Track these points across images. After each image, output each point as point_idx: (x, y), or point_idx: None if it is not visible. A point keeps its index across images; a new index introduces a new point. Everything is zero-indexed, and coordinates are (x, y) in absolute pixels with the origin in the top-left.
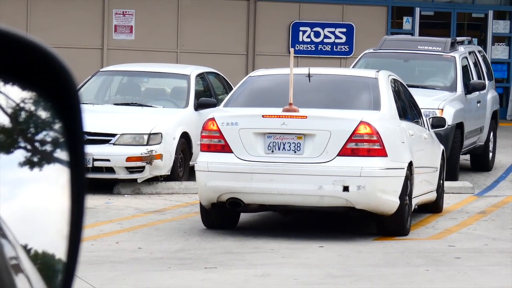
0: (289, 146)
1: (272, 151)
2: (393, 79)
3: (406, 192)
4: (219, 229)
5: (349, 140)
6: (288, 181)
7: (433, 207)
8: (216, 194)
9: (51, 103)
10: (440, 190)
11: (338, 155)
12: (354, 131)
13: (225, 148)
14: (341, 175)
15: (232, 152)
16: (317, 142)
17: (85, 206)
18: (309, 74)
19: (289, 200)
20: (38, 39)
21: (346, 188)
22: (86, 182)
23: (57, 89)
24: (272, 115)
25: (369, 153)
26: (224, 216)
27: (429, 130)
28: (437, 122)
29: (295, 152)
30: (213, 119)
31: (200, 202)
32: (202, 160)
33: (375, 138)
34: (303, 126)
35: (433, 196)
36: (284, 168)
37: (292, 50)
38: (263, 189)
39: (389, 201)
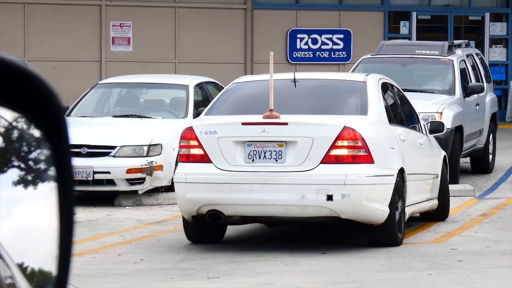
0: (270, 155)
1: (253, 160)
2: (385, 83)
3: (397, 200)
4: (203, 244)
5: (333, 146)
6: (270, 191)
7: (439, 214)
8: (195, 206)
9: (39, 123)
10: (446, 197)
11: (321, 162)
12: (338, 137)
13: (204, 158)
14: (325, 184)
15: (211, 162)
16: (299, 150)
17: (73, 222)
18: (294, 78)
19: (270, 211)
20: (26, 64)
21: (330, 197)
22: (74, 198)
23: (44, 111)
24: (251, 122)
25: (354, 160)
26: (208, 230)
27: (427, 135)
28: (436, 127)
29: (276, 160)
30: (191, 128)
31: (182, 216)
32: (180, 171)
33: (360, 144)
34: (284, 133)
35: (433, 204)
36: (265, 178)
37: (271, 53)
38: (243, 200)
39: (377, 210)
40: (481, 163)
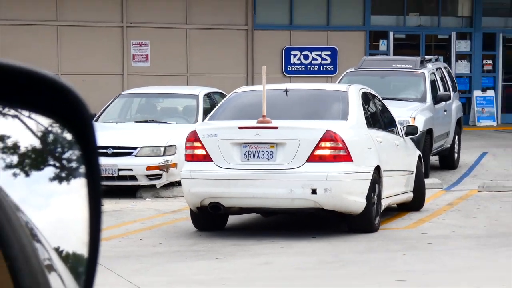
0: (263, 154)
1: (248, 159)
2: (366, 92)
3: (373, 193)
4: (209, 231)
5: (316, 147)
6: (262, 186)
7: (415, 206)
8: (199, 199)
9: (71, 127)
10: (422, 191)
11: (307, 161)
12: (321, 139)
13: (206, 158)
14: (309, 180)
15: (212, 161)
16: (287, 150)
17: (101, 212)
18: (286, 89)
19: (263, 203)
20: (59, 78)
21: (314, 191)
22: (101, 191)
23: (75, 117)
24: (247, 127)
25: (335, 159)
26: (211, 219)
27: (403, 137)
28: (411, 130)
29: (268, 159)
30: (195, 131)
31: (189, 207)
32: (186, 169)
33: (340, 145)
34: (274, 136)
35: (408, 196)
36: (259, 174)
37: (264, 67)
38: (240, 193)
39: (355, 202)
40: (448, 161)
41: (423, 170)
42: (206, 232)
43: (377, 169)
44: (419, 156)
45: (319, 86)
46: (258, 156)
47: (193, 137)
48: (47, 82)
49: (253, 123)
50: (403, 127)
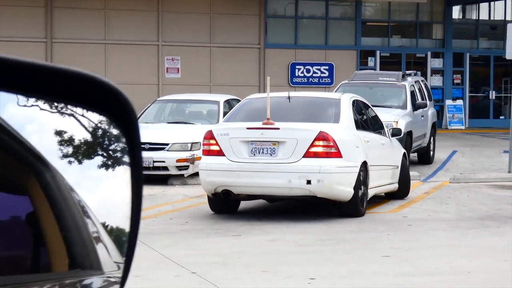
0: (267, 151)
1: (254, 154)
2: (356, 100)
3: (360, 184)
4: (223, 214)
5: (311, 145)
6: (266, 177)
7: (400, 194)
8: (213, 187)
9: (118, 124)
10: (407, 182)
11: (303, 157)
12: (315, 138)
13: (220, 153)
14: (305, 172)
15: (225, 156)
16: (287, 147)
17: (142, 194)
18: (288, 96)
19: (266, 191)
20: (109, 80)
21: (309, 182)
22: (143, 178)
23: (122, 114)
24: (253, 127)
25: (327, 155)
26: (225, 204)
27: (389, 138)
28: (396, 132)
29: (271, 155)
30: (211, 131)
31: (207, 194)
32: (203, 162)
33: (331, 144)
34: (276, 135)
35: (394, 187)
36: (263, 167)
37: (268, 78)
38: (247, 183)
39: (344, 191)
40: (425, 157)
41: None
42: (224, 214)
43: (364, 164)
44: (404, 154)
45: (317, 94)
46: (263, 152)
47: (209, 136)
48: (103, 85)
49: (259, 124)
50: (389, 129)
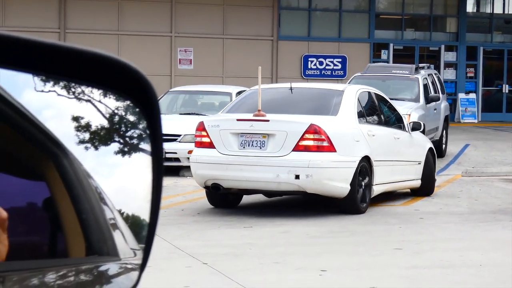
0: (256, 143)
1: (244, 147)
2: (367, 92)
3: (360, 179)
4: (222, 208)
5: (301, 138)
6: (254, 171)
7: (425, 191)
8: (203, 179)
9: (139, 108)
10: (430, 178)
11: (293, 150)
12: (305, 131)
13: (210, 145)
14: (294, 166)
15: (215, 148)
16: (277, 140)
17: (162, 181)
18: (291, 87)
19: (255, 186)
20: (130, 62)
21: (297, 177)
22: (163, 165)
23: (143, 98)
24: (243, 119)
25: (318, 149)
26: (224, 197)
27: (409, 132)
28: (416, 126)
29: (260, 148)
30: (202, 122)
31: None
32: (194, 154)
33: (323, 137)
34: (266, 127)
35: (415, 183)
36: (251, 161)
37: (260, 68)
38: (235, 176)
39: (337, 187)
40: (437, 150)
41: None
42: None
43: (367, 159)
44: (430, 149)
45: (321, 85)
46: (252, 144)
47: (201, 127)
48: (125, 68)
49: (249, 116)
50: (409, 123)
